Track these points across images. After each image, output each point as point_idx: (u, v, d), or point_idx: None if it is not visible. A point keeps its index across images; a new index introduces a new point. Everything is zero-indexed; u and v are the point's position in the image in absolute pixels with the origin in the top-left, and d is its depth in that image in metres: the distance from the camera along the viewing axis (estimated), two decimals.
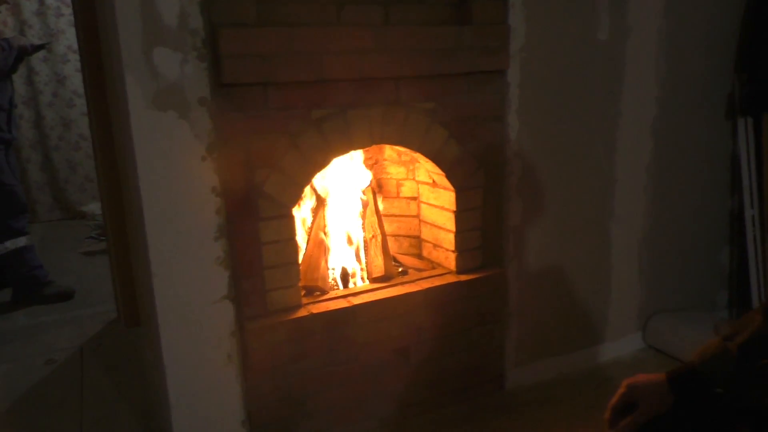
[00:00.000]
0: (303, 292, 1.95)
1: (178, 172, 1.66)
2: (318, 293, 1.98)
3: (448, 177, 2.03)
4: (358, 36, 1.78)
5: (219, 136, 1.69)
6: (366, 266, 2.11)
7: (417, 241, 2.32)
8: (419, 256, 2.31)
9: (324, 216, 2.08)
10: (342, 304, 1.92)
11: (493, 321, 2.20)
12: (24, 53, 3.42)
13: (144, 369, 2.62)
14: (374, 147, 2.09)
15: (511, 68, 2.06)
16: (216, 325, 1.78)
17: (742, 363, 1.07)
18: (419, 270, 2.20)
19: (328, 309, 1.89)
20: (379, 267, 2.09)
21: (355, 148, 1.92)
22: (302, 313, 1.86)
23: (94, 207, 5.64)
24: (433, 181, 2.14)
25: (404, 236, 2.33)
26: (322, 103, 1.81)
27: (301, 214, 2.09)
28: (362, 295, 1.97)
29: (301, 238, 2.02)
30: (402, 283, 2.05)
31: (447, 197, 2.10)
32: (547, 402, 2.22)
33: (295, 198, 1.83)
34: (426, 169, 2.13)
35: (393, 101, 1.90)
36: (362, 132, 1.87)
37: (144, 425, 2.19)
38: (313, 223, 2.07)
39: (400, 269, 2.18)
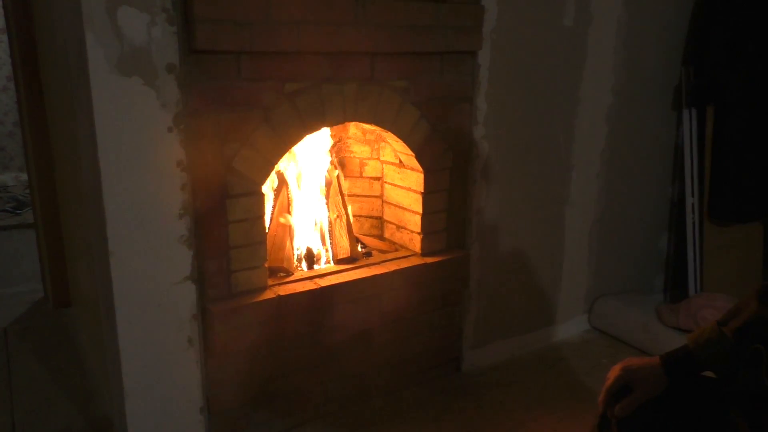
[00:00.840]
0: (267, 273, 1.86)
1: (142, 143, 1.53)
2: (283, 274, 1.90)
3: (418, 158, 2.00)
4: (336, 6, 1.71)
5: (187, 107, 1.58)
6: (331, 247, 2.05)
7: (379, 222, 2.28)
8: (381, 238, 2.27)
9: (287, 195, 2.00)
10: (309, 286, 1.86)
11: (454, 303, 2.21)
12: None
13: (78, 353, 2.45)
14: (337, 125, 2.02)
15: (483, 50, 2.04)
16: (177, 308, 1.68)
17: (738, 347, 1.11)
18: (383, 252, 2.17)
19: (296, 291, 1.82)
20: (344, 248, 2.03)
21: (328, 125, 1.84)
22: (269, 295, 1.78)
23: (6, 178, 5.22)
24: (400, 161, 2.10)
25: (366, 217, 2.29)
26: (296, 76, 1.72)
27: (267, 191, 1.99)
28: (329, 277, 1.92)
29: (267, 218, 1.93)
30: (368, 265, 2.01)
31: (414, 178, 2.07)
32: (504, 384, 2.26)
33: (266, 174, 1.74)
34: (394, 148, 2.09)
35: (367, 78, 1.84)
36: (336, 108, 1.80)
37: (84, 413, 2.05)
38: (275, 202, 1.99)
39: (364, 251, 2.13)
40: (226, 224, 1.69)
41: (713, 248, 2.73)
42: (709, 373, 1.15)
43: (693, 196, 2.70)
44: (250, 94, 1.66)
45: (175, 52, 1.53)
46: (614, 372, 1.19)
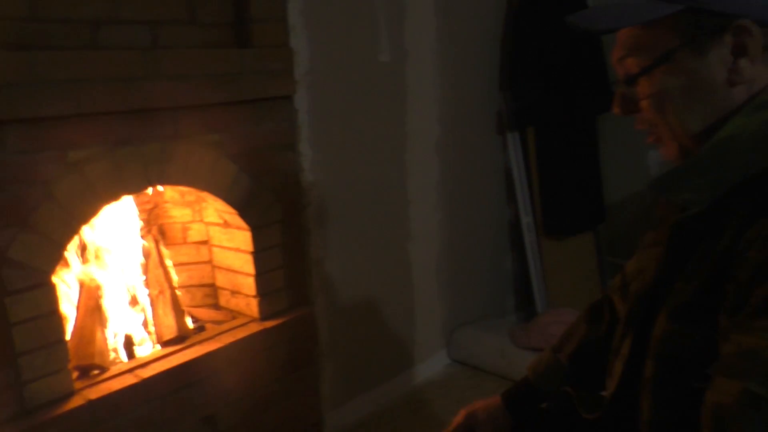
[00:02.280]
0: (75, 375, 1.58)
1: None
2: (96, 372, 1.62)
3: (242, 215, 1.83)
4: (123, 61, 1.50)
5: None
6: (155, 329, 1.80)
7: (212, 289, 2.06)
8: (216, 307, 2.05)
9: (95, 276, 1.73)
10: (129, 380, 1.59)
11: (305, 364, 2.04)
12: None
13: None
14: (141, 191, 1.80)
15: (298, 93, 1.94)
16: None
17: (573, 372, 1.07)
18: (218, 323, 1.95)
19: (111, 390, 1.55)
20: (170, 327, 1.79)
21: (130, 193, 1.61)
22: (77, 402, 1.49)
23: None
24: (225, 221, 1.91)
25: (197, 286, 2.06)
26: (81, 142, 1.48)
27: (68, 277, 1.70)
28: (153, 365, 1.66)
29: (68, 308, 1.65)
30: (200, 342, 1.78)
31: (242, 237, 1.89)
32: None
33: (55, 260, 1.47)
34: (215, 208, 1.90)
35: (171, 136, 1.65)
36: (137, 173, 1.58)
37: None
38: (81, 286, 1.71)
39: (195, 326, 1.90)
40: (8, 327, 1.39)
41: (553, 263, 2.82)
42: None
43: (527, 215, 2.78)
44: (23, 168, 1.40)
45: None
46: (457, 419, 1.12)
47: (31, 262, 1.42)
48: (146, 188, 1.65)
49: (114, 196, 1.57)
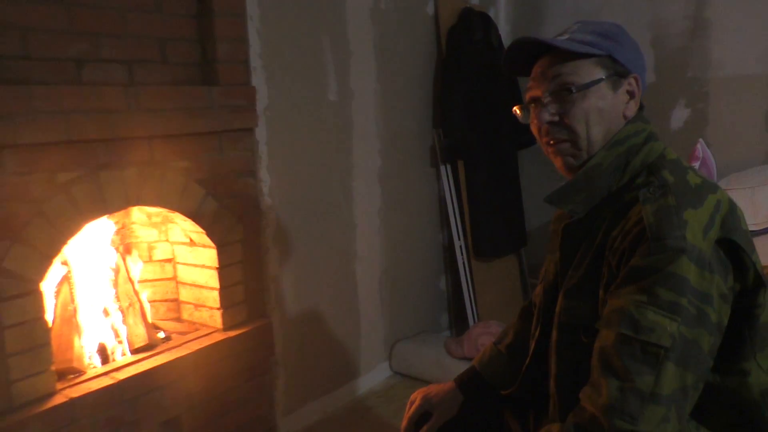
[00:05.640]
0: (55, 377, 1.72)
1: None
2: (74, 375, 1.77)
3: (208, 234, 2.03)
4: (105, 95, 1.71)
5: None
6: (126, 338, 1.95)
7: (175, 304, 2.23)
8: (179, 320, 2.22)
9: (70, 289, 1.88)
10: (105, 382, 1.75)
11: (262, 373, 2.22)
12: None
13: None
14: (121, 211, 1.98)
15: (259, 126, 2.17)
16: None
17: (511, 358, 1.33)
18: (183, 334, 2.12)
19: (90, 390, 1.70)
20: (140, 336, 1.95)
21: (111, 211, 1.79)
22: (58, 400, 1.64)
23: None
24: (191, 239, 2.10)
25: (161, 301, 2.22)
26: (69, 165, 1.67)
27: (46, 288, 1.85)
28: (126, 369, 1.82)
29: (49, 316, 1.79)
30: (168, 349, 1.95)
31: (208, 255, 2.08)
32: None
33: (43, 271, 1.63)
34: (182, 228, 2.09)
35: (147, 161, 1.85)
36: (117, 194, 1.77)
37: None
38: (58, 297, 1.85)
39: (162, 336, 2.06)
40: (1, 331, 1.54)
41: (482, 282, 3.12)
42: None
43: (459, 239, 3.09)
44: (18, 188, 1.57)
45: None
46: (415, 400, 1.35)
47: (23, 272, 1.58)
48: (126, 207, 1.83)
49: (97, 214, 1.75)
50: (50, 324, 1.76)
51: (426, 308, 3.14)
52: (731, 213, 0.99)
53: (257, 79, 2.17)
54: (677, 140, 2.89)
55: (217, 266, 2.06)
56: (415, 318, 3.05)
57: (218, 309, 2.09)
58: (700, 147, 2.49)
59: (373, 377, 2.80)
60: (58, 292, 1.86)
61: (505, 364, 1.35)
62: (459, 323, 3.24)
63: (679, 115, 2.97)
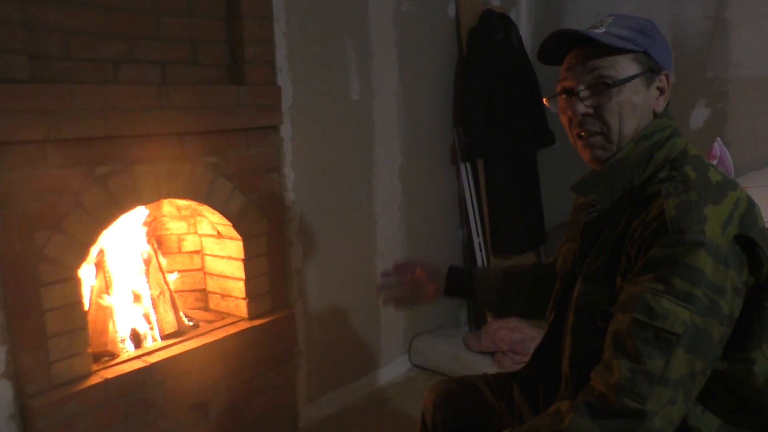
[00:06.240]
0: (92, 359, 1.82)
1: None
2: (108, 358, 1.87)
3: (235, 227, 2.12)
4: (139, 94, 1.81)
5: None
6: (157, 324, 2.05)
7: (203, 294, 2.33)
8: (207, 309, 2.31)
9: (105, 277, 1.98)
10: (137, 365, 1.85)
11: (285, 361, 2.31)
12: None
13: None
14: (152, 204, 2.08)
15: (284, 124, 2.26)
16: None
17: (503, 283, 1.46)
18: (210, 322, 2.21)
19: (123, 372, 1.80)
20: (170, 323, 2.05)
21: (144, 203, 1.90)
22: (95, 380, 1.74)
23: None
24: (218, 232, 2.20)
25: (189, 291, 2.32)
26: (106, 159, 1.77)
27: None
28: (158, 353, 1.92)
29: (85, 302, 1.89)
30: (197, 336, 2.05)
31: (234, 246, 2.18)
32: (342, 431, 2.39)
33: (81, 259, 1.73)
34: (210, 221, 2.18)
35: (178, 156, 1.94)
36: (150, 187, 1.87)
37: None
38: (93, 285, 1.96)
39: (191, 324, 2.16)
40: (41, 314, 1.65)
41: None
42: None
43: (478, 236, 3.14)
44: (59, 180, 1.68)
45: None
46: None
47: (62, 258, 1.69)
48: (158, 200, 1.93)
49: (131, 206, 1.85)
50: (87, 309, 1.86)
51: (445, 304, 3.19)
52: (749, 210, 1.03)
53: (282, 79, 2.26)
54: (696, 140, 2.91)
55: (243, 258, 2.15)
56: (434, 313, 3.11)
57: (243, 299, 2.18)
58: (717, 146, 2.51)
59: (392, 369, 2.87)
60: (93, 280, 1.96)
61: (497, 283, 1.46)
62: (478, 320, 3.29)
63: (699, 115, 3.00)
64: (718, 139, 2.58)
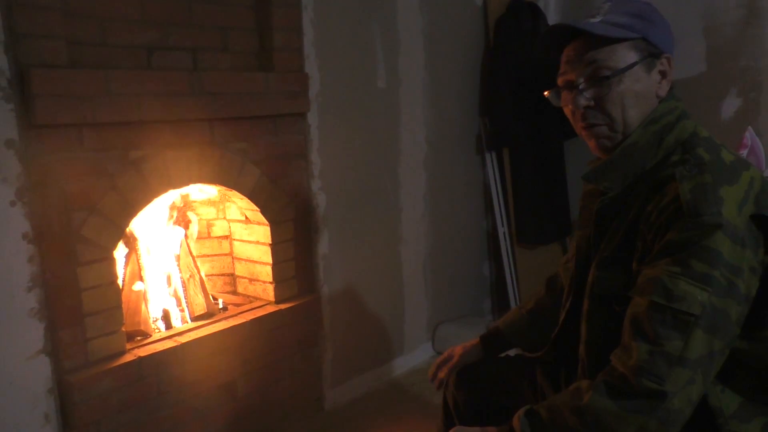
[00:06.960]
0: (125, 338, 1.88)
1: None
2: (141, 338, 1.93)
3: (263, 212, 2.16)
4: (172, 80, 1.85)
5: (30, 180, 1.61)
6: (187, 306, 2.11)
7: (231, 278, 2.38)
8: (235, 293, 2.36)
9: (137, 260, 2.04)
10: (169, 344, 1.90)
11: (311, 345, 2.35)
12: None
13: None
14: (183, 187, 2.13)
15: (311, 111, 2.29)
16: (31, 383, 1.64)
17: (531, 323, 1.44)
18: (238, 305, 2.26)
19: (156, 351, 1.86)
20: (200, 305, 2.10)
21: (175, 188, 1.94)
22: (128, 358, 1.80)
23: None
24: (246, 217, 2.24)
25: (218, 275, 2.37)
26: (140, 144, 1.82)
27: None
28: (188, 334, 1.97)
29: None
30: (226, 318, 2.10)
31: (262, 232, 2.22)
32: (363, 416, 2.42)
33: (116, 240, 1.79)
34: (239, 206, 2.23)
35: (208, 142, 1.99)
36: (181, 171, 1.92)
37: None
38: (126, 267, 2.02)
39: (220, 306, 2.21)
40: (78, 292, 1.71)
41: (525, 269, 3.17)
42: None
43: (503, 225, 3.14)
44: (95, 163, 1.73)
45: (13, 128, 1.57)
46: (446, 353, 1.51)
47: (98, 239, 1.74)
48: (188, 184, 1.97)
49: (163, 189, 1.90)
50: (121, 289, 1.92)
51: (469, 293, 3.21)
52: (764, 190, 1.03)
53: (310, 66, 2.28)
54: (727, 130, 2.86)
55: (271, 243, 2.19)
56: (458, 302, 3.13)
57: (271, 283, 2.23)
58: (749, 135, 2.47)
59: (415, 356, 2.90)
60: (127, 262, 2.02)
61: (526, 325, 1.47)
62: (501, 308, 3.29)
63: (730, 105, 2.94)
64: (750, 128, 2.54)
